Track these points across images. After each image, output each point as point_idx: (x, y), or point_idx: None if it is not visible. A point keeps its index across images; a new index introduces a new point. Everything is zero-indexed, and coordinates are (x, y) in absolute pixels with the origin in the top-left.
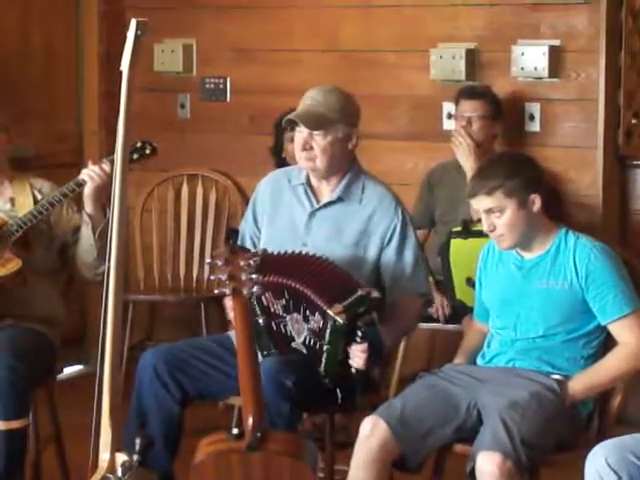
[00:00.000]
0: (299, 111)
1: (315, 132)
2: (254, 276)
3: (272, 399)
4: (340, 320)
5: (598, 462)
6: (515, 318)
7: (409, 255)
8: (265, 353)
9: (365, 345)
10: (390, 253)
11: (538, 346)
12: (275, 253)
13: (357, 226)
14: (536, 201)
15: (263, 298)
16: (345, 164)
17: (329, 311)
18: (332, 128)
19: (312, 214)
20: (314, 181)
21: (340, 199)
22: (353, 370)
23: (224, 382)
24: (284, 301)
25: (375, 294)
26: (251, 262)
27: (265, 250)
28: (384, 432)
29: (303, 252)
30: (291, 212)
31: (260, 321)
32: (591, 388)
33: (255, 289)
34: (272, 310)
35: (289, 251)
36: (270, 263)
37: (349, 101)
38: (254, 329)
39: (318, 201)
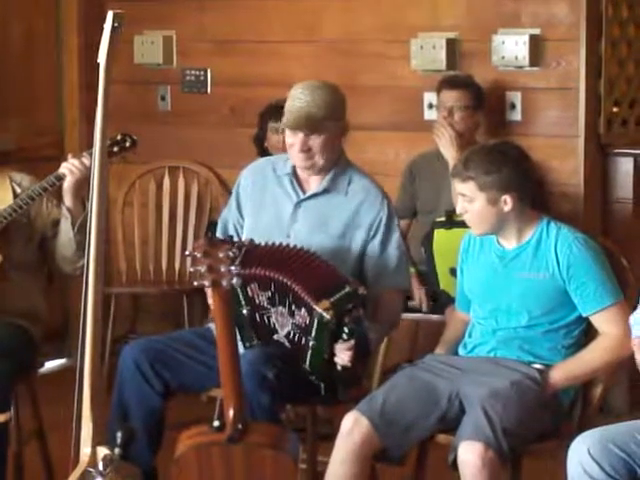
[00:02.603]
0: (291, 115)
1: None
2: (233, 268)
3: (252, 391)
4: (327, 316)
5: (580, 453)
6: (496, 308)
7: (393, 249)
8: (247, 345)
9: (351, 343)
10: (375, 246)
11: (519, 336)
12: (262, 244)
13: (343, 218)
14: (508, 201)
15: (248, 289)
16: (337, 157)
17: (316, 307)
18: (326, 126)
19: (297, 205)
20: (300, 172)
21: (326, 191)
22: (339, 367)
23: (205, 374)
24: (269, 293)
25: (362, 291)
26: (230, 253)
27: (252, 240)
28: (365, 428)
29: (290, 245)
30: (276, 203)
31: (244, 312)
32: (572, 378)
33: (235, 280)
34: (257, 302)
35: (276, 243)
36: (257, 254)
37: (336, 94)
38: (238, 320)
39: (304, 192)
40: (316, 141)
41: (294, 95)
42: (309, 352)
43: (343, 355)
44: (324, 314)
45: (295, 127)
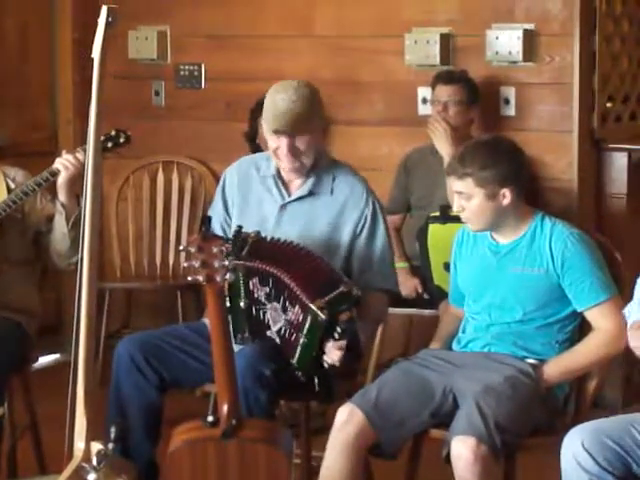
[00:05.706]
0: (277, 119)
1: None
2: (228, 261)
3: (250, 388)
4: (323, 316)
5: (574, 446)
6: (490, 303)
7: (377, 248)
8: (239, 337)
9: (343, 342)
10: (360, 244)
11: (513, 331)
12: (268, 239)
13: (329, 218)
14: (507, 195)
15: (250, 282)
16: (320, 156)
17: (311, 305)
18: (311, 125)
19: (283, 207)
20: (285, 174)
21: (311, 193)
22: (326, 365)
23: (199, 370)
24: (268, 289)
25: (357, 292)
26: (224, 249)
27: (258, 233)
28: (360, 420)
29: (292, 242)
30: (260, 204)
31: (241, 304)
32: (566, 373)
33: (228, 275)
34: (255, 296)
35: (281, 239)
36: (263, 248)
37: (314, 91)
38: (234, 311)
39: (289, 193)
40: (302, 141)
41: (274, 98)
42: (299, 348)
43: (333, 354)
44: (319, 313)
45: (283, 130)
